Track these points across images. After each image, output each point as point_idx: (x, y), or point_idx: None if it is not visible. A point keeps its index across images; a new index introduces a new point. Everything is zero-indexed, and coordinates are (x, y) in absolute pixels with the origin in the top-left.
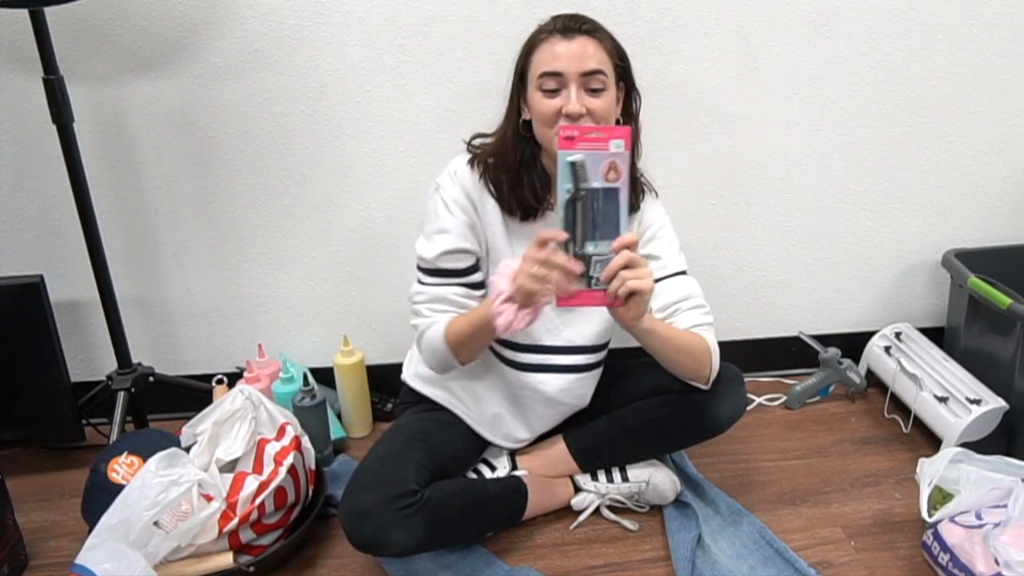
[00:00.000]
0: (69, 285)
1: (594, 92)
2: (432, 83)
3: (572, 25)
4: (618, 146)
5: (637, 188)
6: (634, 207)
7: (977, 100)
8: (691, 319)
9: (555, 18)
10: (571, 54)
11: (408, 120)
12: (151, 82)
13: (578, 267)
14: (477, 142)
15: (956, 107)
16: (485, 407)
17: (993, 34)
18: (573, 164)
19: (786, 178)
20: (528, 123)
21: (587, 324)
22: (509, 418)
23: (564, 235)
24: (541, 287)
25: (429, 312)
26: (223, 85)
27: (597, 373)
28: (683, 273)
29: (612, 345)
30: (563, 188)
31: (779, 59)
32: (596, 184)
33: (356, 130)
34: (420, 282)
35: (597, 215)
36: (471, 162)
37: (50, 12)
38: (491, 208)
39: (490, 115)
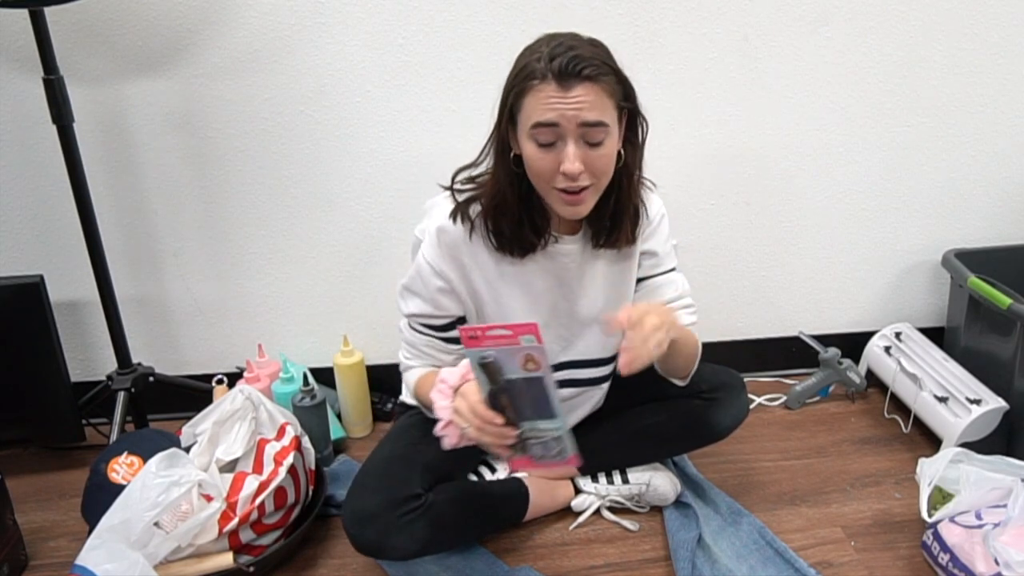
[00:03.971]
0: (69, 285)
1: (594, 144)
2: (432, 83)
3: (570, 70)
4: (529, 341)
5: (638, 216)
6: (636, 212)
7: (977, 100)
8: (683, 319)
9: (550, 53)
10: (568, 105)
11: (408, 120)
12: (151, 82)
13: (510, 437)
14: (461, 182)
15: (956, 107)
16: None
17: (993, 34)
18: (485, 365)
19: (786, 178)
20: (519, 157)
21: (596, 336)
22: None
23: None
24: (477, 438)
25: (407, 354)
26: (223, 85)
27: (606, 387)
28: (673, 270)
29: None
30: (483, 386)
31: (779, 59)
32: (515, 376)
33: (356, 130)
34: (403, 314)
35: (524, 400)
36: (456, 213)
37: (50, 12)
38: (483, 256)
39: (490, 115)
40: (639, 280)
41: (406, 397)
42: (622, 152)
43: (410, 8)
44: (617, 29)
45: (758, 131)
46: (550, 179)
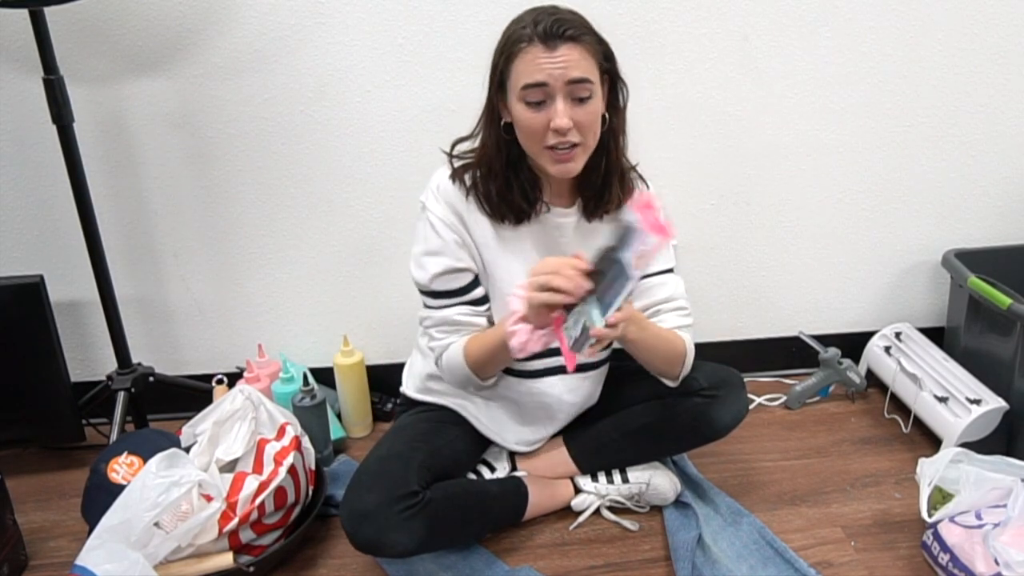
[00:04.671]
0: (69, 285)
1: (581, 100)
2: (432, 83)
3: (554, 31)
4: (658, 242)
5: (626, 180)
6: (624, 175)
7: (977, 100)
8: (672, 321)
9: (534, 19)
10: (555, 64)
11: (408, 120)
12: (151, 82)
13: (582, 288)
14: (458, 150)
15: (956, 107)
16: (495, 411)
17: (993, 34)
18: (627, 228)
19: (786, 178)
20: (509, 125)
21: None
22: (519, 422)
23: (584, 264)
24: (549, 297)
25: (440, 335)
26: (223, 85)
27: (604, 370)
28: (670, 271)
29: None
30: (612, 237)
31: (779, 59)
32: (624, 259)
33: (356, 130)
34: (426, 305)
35: (603, 283)
36: (453, 176)
37: (50, 12)
38: (480, 220)
39: None
40: None
41: (412, 391)
42: (606, 116)
43: (410, 8)
44: (617, 29)
45: (758, 131)
46: (541, 138)
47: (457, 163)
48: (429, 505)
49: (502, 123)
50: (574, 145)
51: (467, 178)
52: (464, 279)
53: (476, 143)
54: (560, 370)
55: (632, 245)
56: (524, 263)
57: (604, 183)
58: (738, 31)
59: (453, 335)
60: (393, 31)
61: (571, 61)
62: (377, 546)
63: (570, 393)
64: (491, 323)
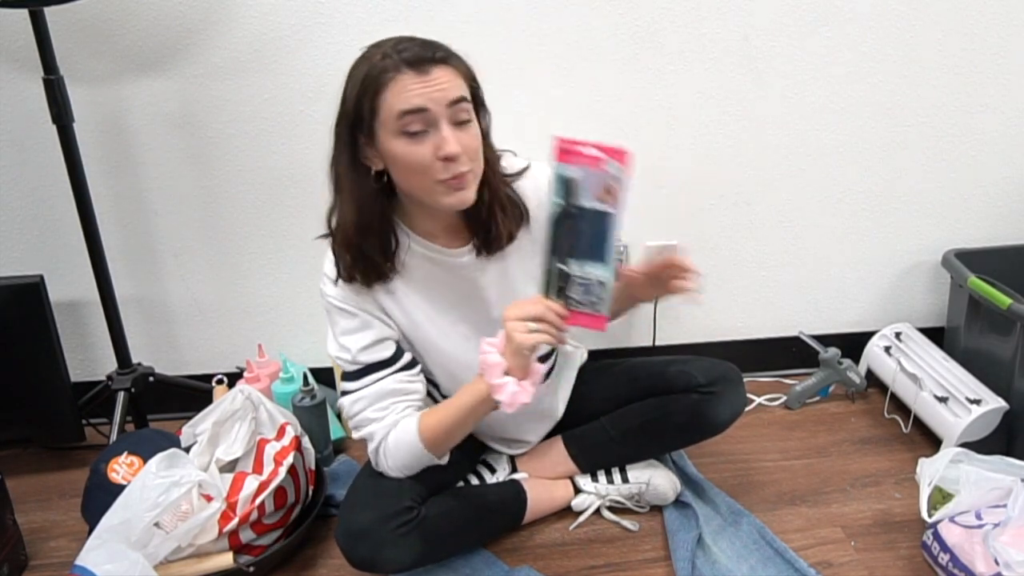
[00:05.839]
0: (69, 285)
1: (462, 125)
2: None
3: (424, 55)
4: (615, 168)
5: (510, 207)
6: (508, 202)
7: (977, 100)
8: None
9: (394, 49)
10: (432, 88)
11: None
12: (151, 82)
13: (563, 311)
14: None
15: (956, 107)
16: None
17: (993, 34)
18: (566, 180)
19: (786, 178)
20: (380, 174)
21: None
22: (513, 430)
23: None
24: (539, 337)
25: (377, 413)
26: (223, 85)
27: (555, 380)
28: None
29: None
30: (553, 202)
31: (779, 59)
32: (588, 204)
33: None
34: (348, 392)
35: (584, 236)
36: (339, 271)
37: (50, 12)
38: (380, 289)
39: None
40: None
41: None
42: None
43: (410, 8)
44: (617, 29)
45: (758, 131)
46: (429, 171)
47: (336, 237)
48: (425, 521)
49: (372, 173)
50: (465, 172)
51: (348, 250)
52: (390, 348)
53: (346, 207)
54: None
55: (584, 188)
56: (433, 305)
57: (490, 213)
58: (738, 31)
59: (390, 410)
60: (393, 31)
61: (447, 82)
62: (374, 564)
63: (538, 401)
64: (432, 385)
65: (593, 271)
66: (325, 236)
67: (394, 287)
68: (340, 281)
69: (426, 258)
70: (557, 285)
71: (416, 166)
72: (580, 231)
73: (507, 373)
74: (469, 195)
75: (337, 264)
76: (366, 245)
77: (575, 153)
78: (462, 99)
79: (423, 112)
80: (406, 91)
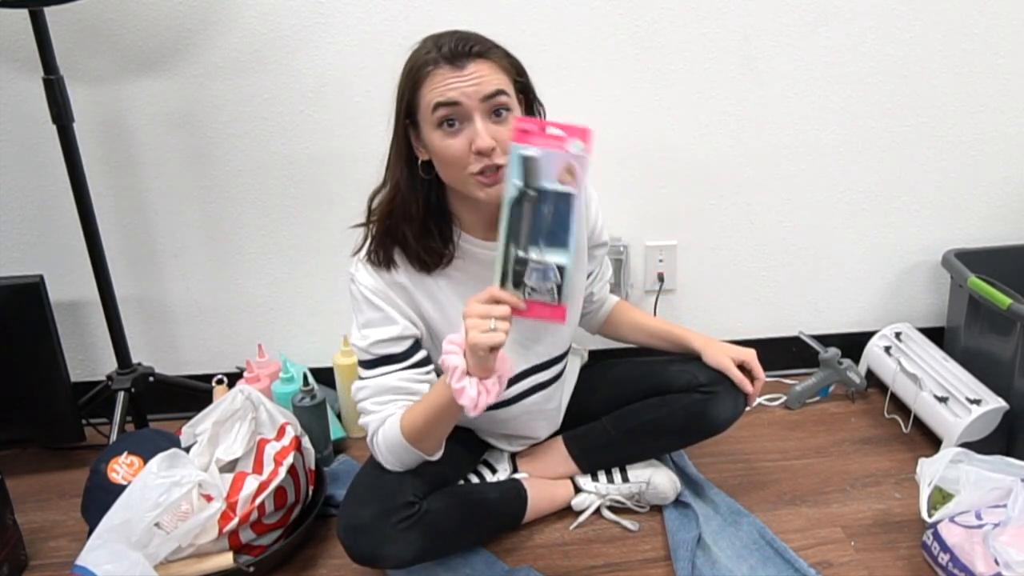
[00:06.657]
0: (69, 285)
1: (499, 117)
2: None
3: (460, 50)
4: (577, 147)
5: None
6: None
7: (977, 100)
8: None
9: (436, 44)
10: (466, 82)
11: None
12: (151, 82)
13: (522, 304)
14: (377, 202)
15: (956, 107)
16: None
17: (993, 34)
18: (525, 159)
19: (786, 178)
20: (428, 164)
21: (551, 335)
22: (514, 432)
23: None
24: (496, 337)
25: (376, 406)
26: (223, 85)
27: (562, 382)
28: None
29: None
30: (511, 184)
31: (779, 59)
32: (548, 186)
33: (356, 130)
34: (360, 377)
35: (544, 219)
36: (371, 257)
37: (50, 12)
38: (413, 277)
39: None
40: None
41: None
42: None
43: (410, 8)
44: (617, 29)
45: (758, 131)
46: (464, 164)
47: (374, 219)
48: (426, 516)
49: (419, 162)
50: (499, 167)
51: (387, 235)
52: (404, 345)
53: (386, 191)
54: (528, 393)
55: (545, 168)
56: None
57: None
58: (738, 31)
59: (389, 405)
60: (393, 31)
61: (482, 77)
62: (374, 559)
63: (549, 400)
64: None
65: (552, 256)
66: (364, 224)
67: (430, 280)
68: (374, 269)
69: (466, 251)
70: (514, 272)
71: (450, 159)
72: (540, 214)
73: (469, 374)
74: (502, 190)
75: (377, 251)
76: (411, 232)
77: (534, 133)
78: (498, 92)
79: (456, 106)
80: (441, 85)
